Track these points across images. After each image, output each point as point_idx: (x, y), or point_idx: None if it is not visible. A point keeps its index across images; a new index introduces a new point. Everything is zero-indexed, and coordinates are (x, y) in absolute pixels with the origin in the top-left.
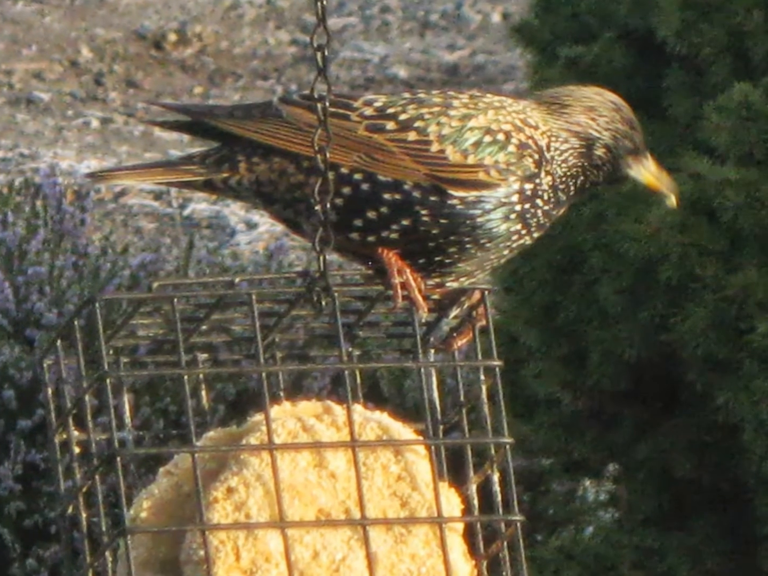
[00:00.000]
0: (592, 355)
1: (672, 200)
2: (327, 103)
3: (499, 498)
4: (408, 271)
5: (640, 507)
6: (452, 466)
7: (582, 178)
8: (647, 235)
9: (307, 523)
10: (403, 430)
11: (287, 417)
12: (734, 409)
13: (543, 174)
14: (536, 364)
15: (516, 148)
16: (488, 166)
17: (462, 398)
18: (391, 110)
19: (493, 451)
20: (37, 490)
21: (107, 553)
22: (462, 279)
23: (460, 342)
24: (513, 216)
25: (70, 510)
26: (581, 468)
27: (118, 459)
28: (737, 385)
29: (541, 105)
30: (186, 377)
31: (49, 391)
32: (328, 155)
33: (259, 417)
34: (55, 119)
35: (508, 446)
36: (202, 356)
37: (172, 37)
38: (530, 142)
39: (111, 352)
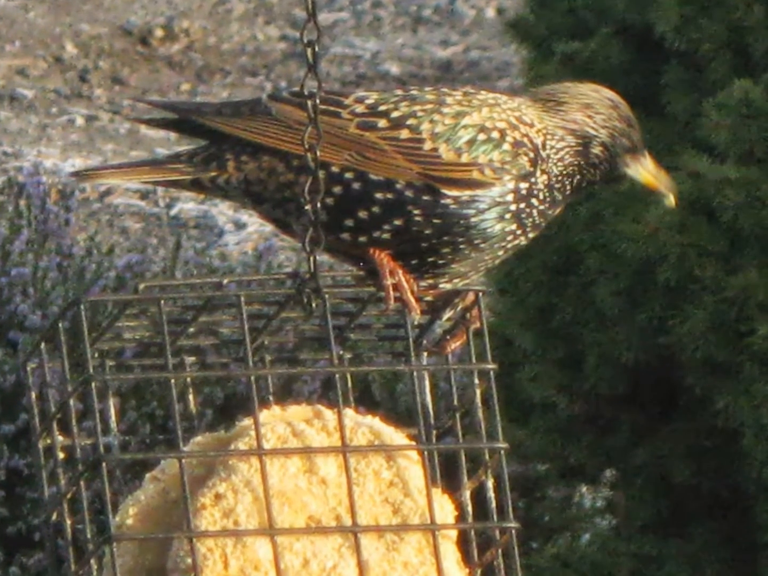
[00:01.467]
0: (588, 359)
1: (670, 200)
2: (317, 101)
3: (494, 504)
4: (400, 272)
5: (637, 513)
6: (445, 472)
7: (578, 176)
8: (645, 236)
9: (297, 530)
10: (395, 435)
11: (277, 422)
12: (734, 414)
13: (538, 173)
14: (531, 367)
15: (511, 147)
16: (482, 165)
17: (455, 402)
18: (382, 107)
19: (487, 457)
20: (21, 497)
21: (92, 561)
22: (456, 280)
23: (454, 345)
24: (508, 216)
25: (54, 517)
26: (577, 474)
27: (104, 464)
28: (737, 389)
29: (536, 102)
30: (173, 381)
31: (33, 395)
32: (318, 153)
33: (247, 421)
34: (39, 117)
35: (502, 451)
36: (190, 359)
37: (159, 32)
38: (525, 140)
39: (96, 355)
